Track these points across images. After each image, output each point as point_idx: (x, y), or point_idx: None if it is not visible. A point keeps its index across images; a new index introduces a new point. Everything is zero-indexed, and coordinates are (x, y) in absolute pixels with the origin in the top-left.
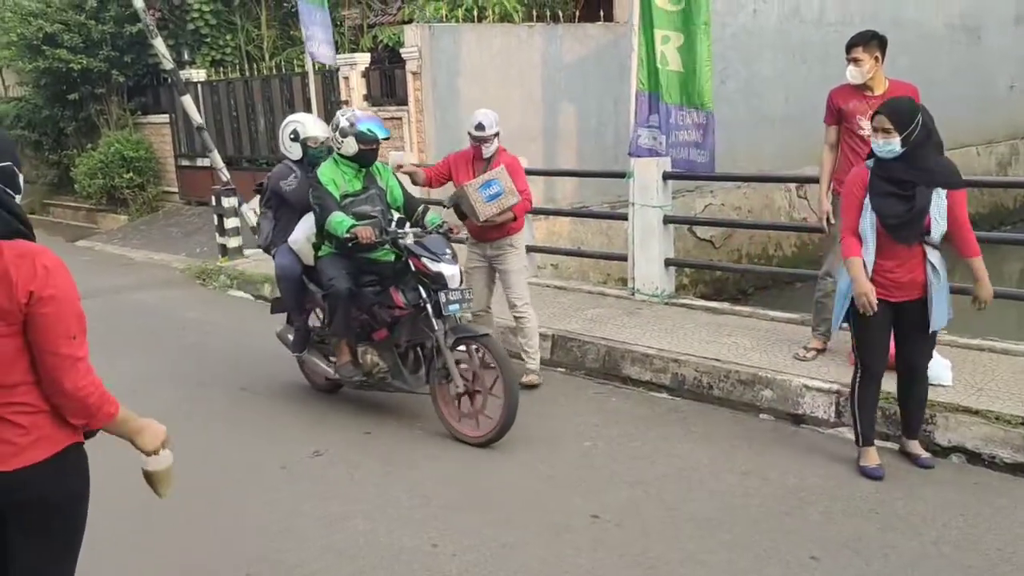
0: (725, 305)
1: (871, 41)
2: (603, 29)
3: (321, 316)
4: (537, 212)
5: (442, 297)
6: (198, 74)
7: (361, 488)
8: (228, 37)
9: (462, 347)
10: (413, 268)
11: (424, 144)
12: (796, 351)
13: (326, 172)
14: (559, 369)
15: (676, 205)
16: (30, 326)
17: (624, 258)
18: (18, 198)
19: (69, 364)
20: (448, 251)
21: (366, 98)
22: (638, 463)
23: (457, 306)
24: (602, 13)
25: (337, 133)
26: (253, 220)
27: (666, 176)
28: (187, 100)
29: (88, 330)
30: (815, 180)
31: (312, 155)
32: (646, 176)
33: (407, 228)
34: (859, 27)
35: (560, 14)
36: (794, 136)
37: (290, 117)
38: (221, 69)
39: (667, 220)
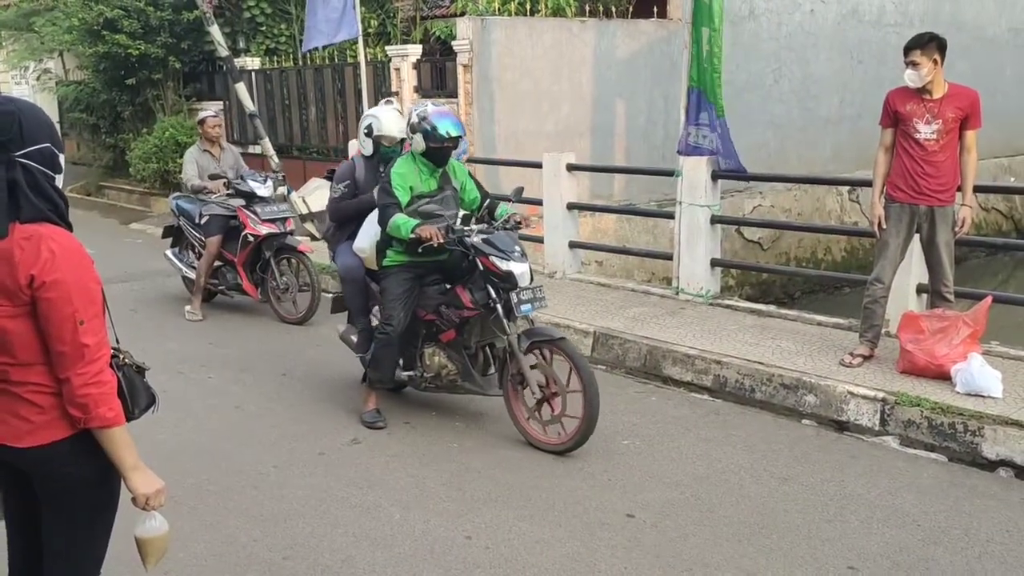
0: (770, 307)
1: (929, 44)
2: (656, 25)
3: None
4: (583, 208)
5: (513, 297)
6: (252, 62)
7: (397, 478)
8: (283, 26)
9: (537, 351)
10: (481, 267)
11: (473, 137)
12: (842, 357)
13: (400, 170)
14: (600, 367)
15: (724, 205)
16: (36, 309)
17: (669, 257)
18: (59, 179)
19: (73, 350)
20: (517, 248)
21: (416, 90)
22: (676, 464)
23: (529, 306)
24: (655, 9)
25: (408, 128)
26: (303, 208)
27: (715, 175)
28: (241, 87)
29: (136, 311)
30: (868, 183)
31: (384, 153)
32: (695, 175)
33: (473, 225)
34: (918, 29)
35: (613, 9)
36: (848, 138)
37: (370, 110)
38: (275, 58)
39: (715, 220)
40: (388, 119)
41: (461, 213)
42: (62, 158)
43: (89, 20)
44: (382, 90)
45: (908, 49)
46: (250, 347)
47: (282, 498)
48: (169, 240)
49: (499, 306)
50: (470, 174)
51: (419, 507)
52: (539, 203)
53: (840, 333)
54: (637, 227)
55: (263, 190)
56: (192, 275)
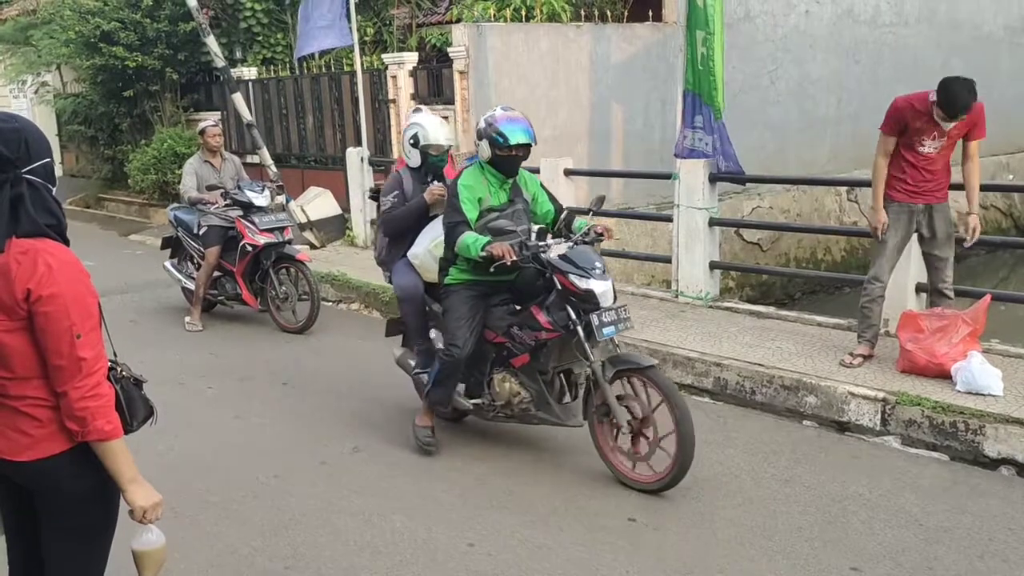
0: (770, 309)
1: (975, 96)
2: (651, 29)
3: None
4: (581, 212)
5: (595, 319)
6: (249, 72)
7: (399, 485)
8: (279, 36)
9: (624, 379)
10: (559, 285)
11: (470, 144)
12: (842, 357)
13: (466, 182)
14: None
15: (723, 207)
16: (33, 323)
17: (669, 260)
18: (54, 190)
19: (70, 363)
20: (598, 264)
21: (413, 97)
22: None
23: (613, 328)
24: (651, 13)
25: (475, 135)
26: (301, 217)
27: (712, 178)
28: (238, 97)
29: (135, 322)
30: (866, 183)
31: (433, 163)
32: (692, 178)
33: (549, 240)
34: (914, 28)
35: (608, 13)
36: (846, 138)
37: (413, 118)
38: (272, 67)
39: (713, 222)
40: (434, 126)
41: (536, 227)
42: (57, 169)
43: (86, 33)
44: (379, 98)
45: (962, 110)
46: (250, 357)
47: (283, 507)
48: (168, 251)
49: (580, 328)
50: (542, 185)
51: (421, 515)
52: None
53: (840, 333)
54: (636, 230)
55: (260, 200)
56: (191, 286)
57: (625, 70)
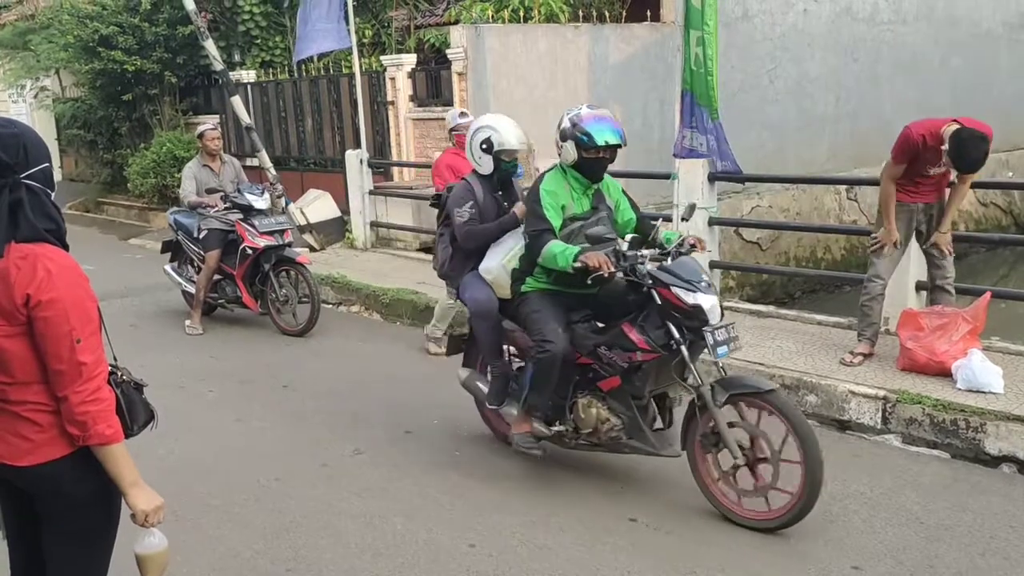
0: (770, 308)
1: (987, 155)
2: (649, 29)
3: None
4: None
5: (708, 338)
6: (248, 75)
7: (400, 487)
8: (278, 39)
9: (738, 404)
10: (659, 300)
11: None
12: (843, 356)
13: (549, 187)
14: None
15: (722, 206)
16: (33, 328)
17: None
18: (53, 195)
19: (70, 368)
20: (704, 277)
21: (412, 99)
22: (678, 467)
23: (726, 348)
24: (649, 13)
25: (558, 136)
26: (301, 219)
27: (712, 177)
28: (236, 101)
29: (136, 326)
30: (866, 182)
31: (505, 169)
32: (691, 177)
33: (643, 250)
34: (912, 25)
35: (606, 14)
36: (845, 137)
37: (484, 119)
38: (270, 70)
39: (712, 222)
40: (508, 129)
41: (628, 237)
42: (56, 174)
43: (85, 37)
44: (377, 100)
45: (971, 169)
46: (251, 360)
47: (285, 510)
48: (168, 255)
49: (684, 348)
50: (624, 191)
51: (422, 516)
52: None
53: (840, 332)
54: None
55: (260, 203)
56: (192, 289)
57: (623, 70)
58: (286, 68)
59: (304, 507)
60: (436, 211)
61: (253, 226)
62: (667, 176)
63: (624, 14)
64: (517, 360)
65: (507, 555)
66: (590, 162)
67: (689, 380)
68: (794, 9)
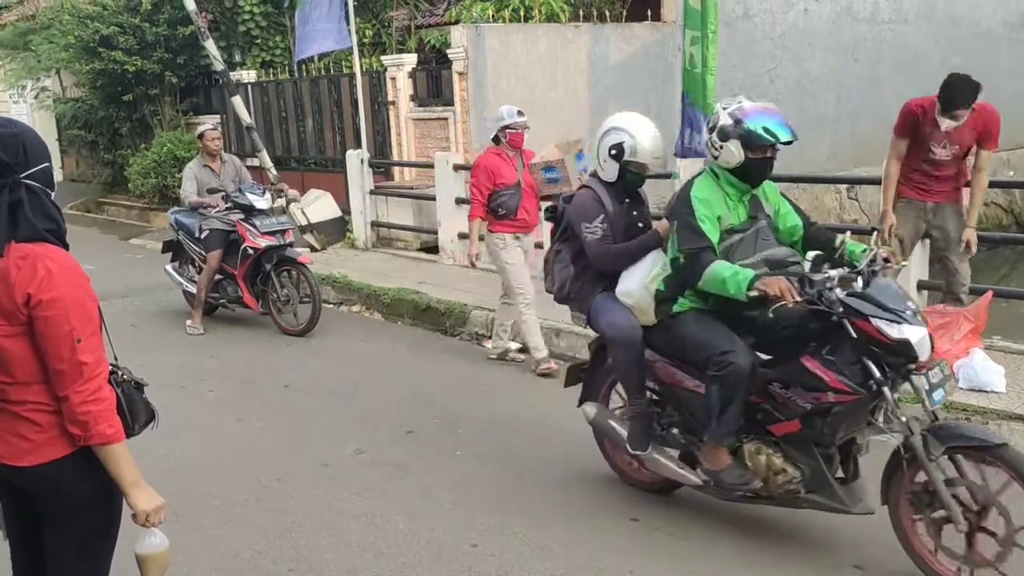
0: None
1: (975, 97)
2: (650, 29)
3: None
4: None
5: (923, 382)
6: (248, 75)
7: (402, 487)
8: (278, 39)
9: (958, 459)
10: (854, 333)
11: (469, 145)
12: None
13: (701, 195)
14: None
15: None
16: (34, 328)
17: None
18: (53, 195)
19: (71, 368)
20: (911, 304)
21: (412, 98)
22: None
23: (942, 392)
24: (649, 12)
25: (714, 135)
26: (302, 219)
27: None
28: (237, 101)
29: (136, 326)
30: (867, 181)
31: (631, 180)
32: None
33: (828, 271)
34: (913, 25)
35: (607, 13)
36: (845, 136)
37: (619, 119)
38: (271, 70)
39: None
40: (646, 137)
41: (810, 255)
42: (56, 174)
43: (85, 38)
44: (378, 100)
45: (955, 106)
46: (252, 360)
47: (286, 510)
48: (169, 255)
49: (887, 390)
50: (783, 194)
51: (424, 516)
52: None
53: None
54: None
55: (261, 203)
56: (192, 289)
57: (624, 70)
58: (286, 68)
59: (305, 507)
60: (550, 224)
61: (254, 226)
62: (668, 176)
63: (624, 14)
64: (656, 397)
65: (509, 555)
66: (756, 163)
67: (894, 427)
68: (795, 8)
